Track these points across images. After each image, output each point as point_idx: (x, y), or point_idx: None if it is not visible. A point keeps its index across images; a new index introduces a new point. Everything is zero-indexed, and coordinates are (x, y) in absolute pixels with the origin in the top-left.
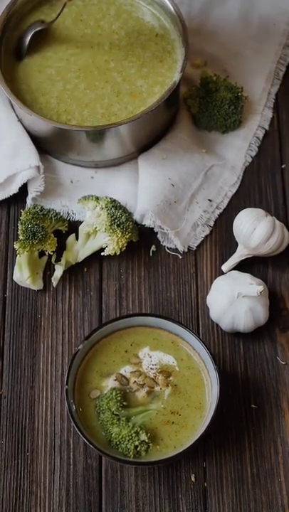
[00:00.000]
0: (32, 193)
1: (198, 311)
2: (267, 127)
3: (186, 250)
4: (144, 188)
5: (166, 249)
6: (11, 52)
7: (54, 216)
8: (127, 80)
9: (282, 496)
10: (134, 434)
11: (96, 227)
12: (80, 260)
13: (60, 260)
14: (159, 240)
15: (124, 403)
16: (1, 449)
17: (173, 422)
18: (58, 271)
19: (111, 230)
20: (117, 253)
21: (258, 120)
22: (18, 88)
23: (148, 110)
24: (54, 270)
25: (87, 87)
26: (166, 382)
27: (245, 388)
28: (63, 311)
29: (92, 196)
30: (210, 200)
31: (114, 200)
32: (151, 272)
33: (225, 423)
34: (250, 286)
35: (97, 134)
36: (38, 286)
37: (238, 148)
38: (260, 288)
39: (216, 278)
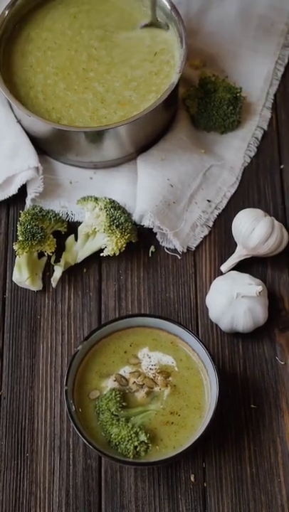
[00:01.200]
0: (31, 193)
1: (197, 312)
2: (266, 127)
3: (185, 251)
4: (143, 188)
5: (165, 250)
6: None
7: (53, 217)
8: (111, 91)
9: (281, 495)
10: (133, 435)
11: (95, 228)
12: (79, 261)
13: (59, 261)
14: (158, 240)
15: (124, 404)
16: (0, 450)
17: (172, 423)
18: (57, 272)
19: (110, 231)
20: (116, 254)
21: (257, 120)
22: (15, 82)
23: (146, 111)
24: (53, 271)
25: (66, 88)
26: (165, 382)
27: (244, 388)
28: (63, 312)
29: (91, 197)
30: (209, 201)
31: (113, 201)
32: (151, 272)
33: (224, 423)
34: (249, 286)
35: (96, 135)
36: (37, 287)
37: (236, 149)
38: (259, 288)
39: (215, 278)
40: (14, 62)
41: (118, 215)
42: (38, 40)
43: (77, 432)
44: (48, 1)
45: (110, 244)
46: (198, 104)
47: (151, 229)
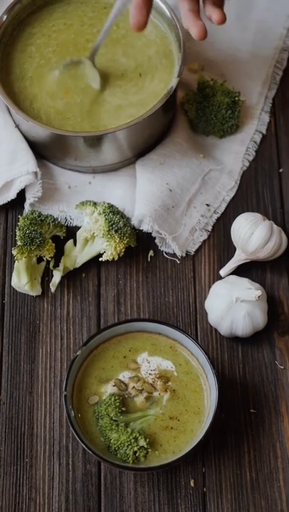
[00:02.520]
0: (30, 198)
1: (196, 316)
2: (264, 131)
3: (184, 255)
4: (142, 193)
5: (164, 254)
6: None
7: (52, 222)
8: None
9: (281, 500)
10: (132, 440)
11: (94, 233)
12: (78, 266)
13: (58, 266)
14: (157, 245)
15: (123, 409)
16: None
17: (172, 428)
18: (56, 276)
19: (109, 236)
20: (115, 258)
21: (255, 124)
22: (13, 87)
23: (145, 116)
24: (52, 276)
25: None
26: (164, 387)
27: (244, 393)
28: (62, 317)
29: (90, 202)
30: (208, 205)
31: (112, 206)
32: (150, 277)
33: (224, 428)
34: (249, 290)
35: (95, 140)
36: (36, 291)
37: (235, 153)
38: (259, 292)
39: (214, 283)
40: (13, 66)
41: (117, 219)
42: (36, 46)
43: (77, 438)
44: (47, 4)
45: (109, 248)
46: (197, 108)
47: (150, 233)
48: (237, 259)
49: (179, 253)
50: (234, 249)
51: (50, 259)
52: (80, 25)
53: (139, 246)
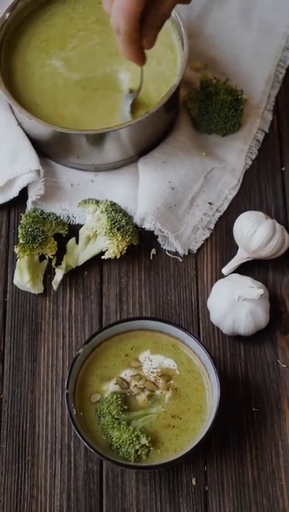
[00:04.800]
0: (32, 196)
1: (198, 315)
2: (267, 130)
3: (186, 253)
4: (144, 191)
5: (167, 253)
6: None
7: (54, 220)
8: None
9: (283, 499)
10: (134, 438)
11: (96, 231)
12: (80, 264)
13: (60, 264)
14: (160, 243)
15: (125, 407)
16: (1, 453)
17: (173, 426)
18: (59, 274)
19: (111, 234)
20: (118, 257)
21: (258, 123)
22: (16, 85)
23: (148, 114)
24: (54, 274)
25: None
26: (166, 385)
27: (245, 391)
28: (64, 315)
29: (92, 200)
30: (210, 203)
31: (115, 204)
32: (152, 275)
33: (226, 426)
34: (251, 289)
35: (97, 138)
36: (38, 289)
37: (238, 151)
38: (261, 291)
39: (216, 281)
40: (15, 65)
41: (119, 217)
42: (38, 44)
43: (79, 436)
44: (49, 3)
45: (111, 247)
46: (200, 106)
47: (153, 232)
48: (239, 258)
49: (181, 251)
50: (236, 247)
51: (52, 257)
52: (83, 21)
53: (142, 244)
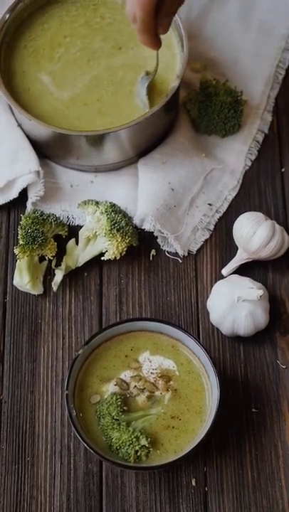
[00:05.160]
0: (32, 197)
1: (198, 316)
2: (266, 131)
3: (186, 254)
4: (144, 192)
5: (166, 254)
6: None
7: (54, 221)
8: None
9: (282, 500)
10: (134, 439)
11: (96, 232)
12: (80, 265)
13: (60, 265)
14: (159, 244)
15: (125, 408)
16: (1, 454)
17: (173, 427)
18: (58, 275)
19: (111, 235)
20: (117, 257)
21: (258, 124)
22: (16, 87)
23: (147, 115)
24: (54, 275)
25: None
26: (166, 386)
27: (245, 392)
28: (63, 316)
29: (92, 201)
30: (210, 204)
31: (114, 205)
32: (152, 276)
33: (225, 427)
34: (251, 290)
35: (97, 139)
36: (38, 290)
37: (237, 152)
38: (260, 292)
39: (216, 282)
40: (15, 66)
41: (119, 218)
42: (31, 52)
43: (78, 437)
44: (49, 4)
45: (111, 248)
46: (199, 107)
47: (152, 233)
48: (239, 259)
49: (180, 252)
50: (236, 248)
51: (52, 258)
52: (71, 25)
53: (141, 245)
